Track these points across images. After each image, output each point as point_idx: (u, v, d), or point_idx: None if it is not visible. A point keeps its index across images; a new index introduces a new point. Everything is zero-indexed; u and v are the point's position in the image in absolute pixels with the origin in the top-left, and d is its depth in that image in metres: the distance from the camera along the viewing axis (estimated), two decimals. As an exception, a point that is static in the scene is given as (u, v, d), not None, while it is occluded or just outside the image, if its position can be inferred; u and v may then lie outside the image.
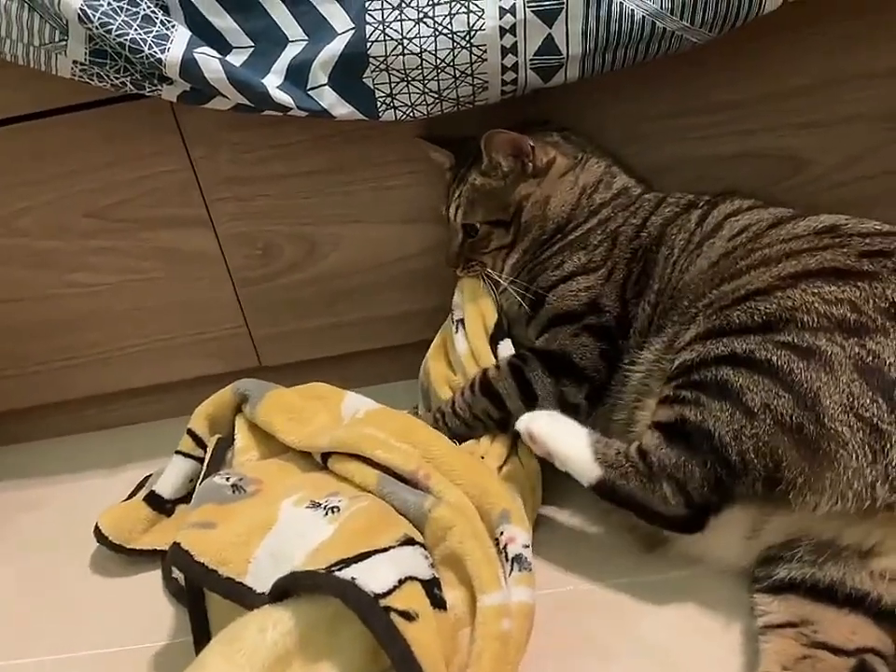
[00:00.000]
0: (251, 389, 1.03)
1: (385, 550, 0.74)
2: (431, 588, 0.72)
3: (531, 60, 1.00)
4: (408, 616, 0.67)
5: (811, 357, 0.75)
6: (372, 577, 0.69)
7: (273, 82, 1.02)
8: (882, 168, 1.14)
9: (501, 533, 0.83)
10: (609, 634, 0.84)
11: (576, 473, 0.83)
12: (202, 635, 0.84)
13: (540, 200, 1.07)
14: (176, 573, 0.97)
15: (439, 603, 0.72)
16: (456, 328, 1.10)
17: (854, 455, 0.71)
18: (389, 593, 0.68)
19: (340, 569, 0.71)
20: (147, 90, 1.04)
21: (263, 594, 0.76)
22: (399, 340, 1.30)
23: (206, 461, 1.01)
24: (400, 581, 0.70)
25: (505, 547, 0.82)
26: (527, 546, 0.83)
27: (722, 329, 0.82)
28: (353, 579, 0.68)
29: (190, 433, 1.06)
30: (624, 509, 0.82)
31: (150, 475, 1.16)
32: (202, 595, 0.86)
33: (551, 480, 0.99)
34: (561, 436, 0.85)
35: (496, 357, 1.06)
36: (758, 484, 0.75)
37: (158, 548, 1.02)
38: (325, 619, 0.70)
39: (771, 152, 1.14)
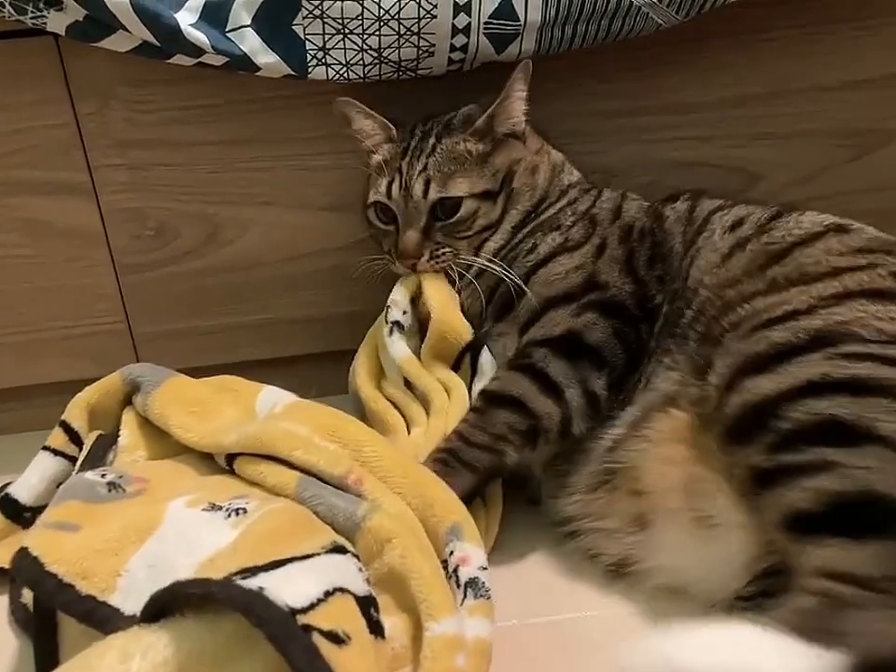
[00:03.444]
0: (145, 375, 0.83)
1: (307, 557, 0.57)
2: (367, 607, 0.55)
3: (485, 23, 0.90)
4: (336, 638, 0.49)
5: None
6: (288, 587, 0.51)
7: (186, 19, 0.87)
8: (834, 188, 1.10)
9: (451, 553, 0.67)
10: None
11: None
12: (48, 672, 0.62)
13: (530, 166, 0.95)
14: (27, 597, 0.74)
15: (376, 628, 0.54)
16: (391, 330, 0.94)
17: None
18: (311, 608, 0.50)
19: (244, 578, 0.53)
20: (30, 14, 0.87)
21: (134, 616, 0.57)
22: (313, 348, 1.13)
23: (80, 460, 0.80)
24: (327, 594, 0.52)
25: (456, 570, 0.66)
26: (484, 568, 0.67)
27: (768, 356, 0.68)
28: (260, 589, 0.50)
29: (64, 426, 0.84)
30: None
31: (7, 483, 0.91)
32: (53, 621, 0.64)
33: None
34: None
35: (473, 369, 0.92)
36: None
37: (6, 567, 0.78)
38: (216, 646, 0.51)
39: (723, 162, 1.09)
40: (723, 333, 0.76)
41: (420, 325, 0.97)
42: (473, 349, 0.93)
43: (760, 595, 0.69)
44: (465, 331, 0.92)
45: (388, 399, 0.95)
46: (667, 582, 0.74)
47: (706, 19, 0.95)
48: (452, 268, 0.92)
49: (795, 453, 0.62)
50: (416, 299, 0.96)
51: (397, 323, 0.94)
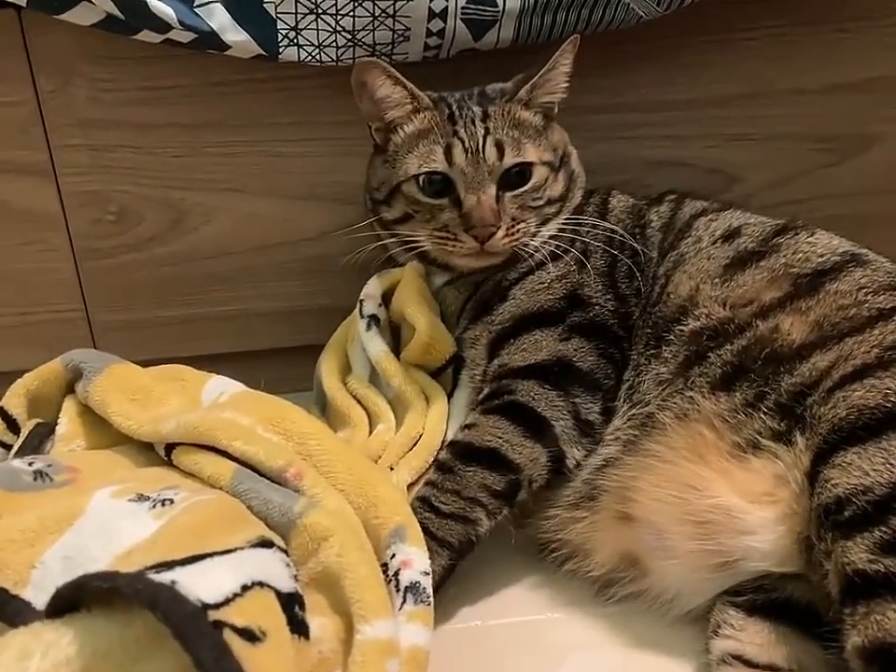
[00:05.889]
0: (88, 361, 0.78)
1: (230, 552, 0.52)
2: (291, 605, 0.50)
3: (463, 8, 0.87)
4: (250, 635, 0.45)
5: None
6: (202, 581, 0.47)
7: (151, -7, 0.84)
8: (811, 192, 1.07)
9: (392, 556, 0.62)
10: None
11: None
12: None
13: (578, 156, 0.94)
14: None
15: (299, 628, 0.50)
16: (368, 324, 0.91)
17: None
18: (226, 603, 0.46)
19: (158, 572, 0.48)
20: (-13, -17, 0.83)
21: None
22: (280, 342, 1.09)
23: (15, 448, 0.76)
24: (244, 588, 0.48)
25: (397, 573, 0.61)
26: (427, 574, 0.62)
27: (864, 426, 0.62)
28: (173, 583, 0.46)
29: (2, 413, 0.80)
30: None
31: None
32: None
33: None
34: None
35: (454, 383, 0.89)
36: None
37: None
38: (124, 644, 0.46)
39: (701, 163, 1.06)
40: (774, 374, 0.70)
41: (391, 323, 0.94)
42: (455, 361, 0.89)
43: (752, 591, 0.68)
44: (449, 345, 0.88)
45: (353, 396, 0.91)
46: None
47: (687, 16, 0.93)
48: (522, 248, 0.85)
49: None
50: (387, 295, 0.93)
51: (373, 317, 0.92)
